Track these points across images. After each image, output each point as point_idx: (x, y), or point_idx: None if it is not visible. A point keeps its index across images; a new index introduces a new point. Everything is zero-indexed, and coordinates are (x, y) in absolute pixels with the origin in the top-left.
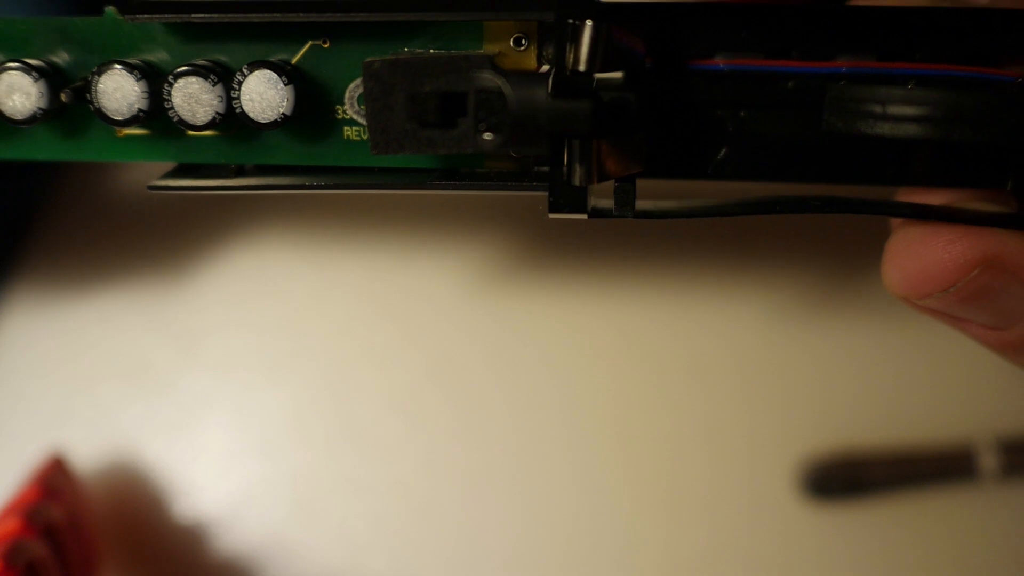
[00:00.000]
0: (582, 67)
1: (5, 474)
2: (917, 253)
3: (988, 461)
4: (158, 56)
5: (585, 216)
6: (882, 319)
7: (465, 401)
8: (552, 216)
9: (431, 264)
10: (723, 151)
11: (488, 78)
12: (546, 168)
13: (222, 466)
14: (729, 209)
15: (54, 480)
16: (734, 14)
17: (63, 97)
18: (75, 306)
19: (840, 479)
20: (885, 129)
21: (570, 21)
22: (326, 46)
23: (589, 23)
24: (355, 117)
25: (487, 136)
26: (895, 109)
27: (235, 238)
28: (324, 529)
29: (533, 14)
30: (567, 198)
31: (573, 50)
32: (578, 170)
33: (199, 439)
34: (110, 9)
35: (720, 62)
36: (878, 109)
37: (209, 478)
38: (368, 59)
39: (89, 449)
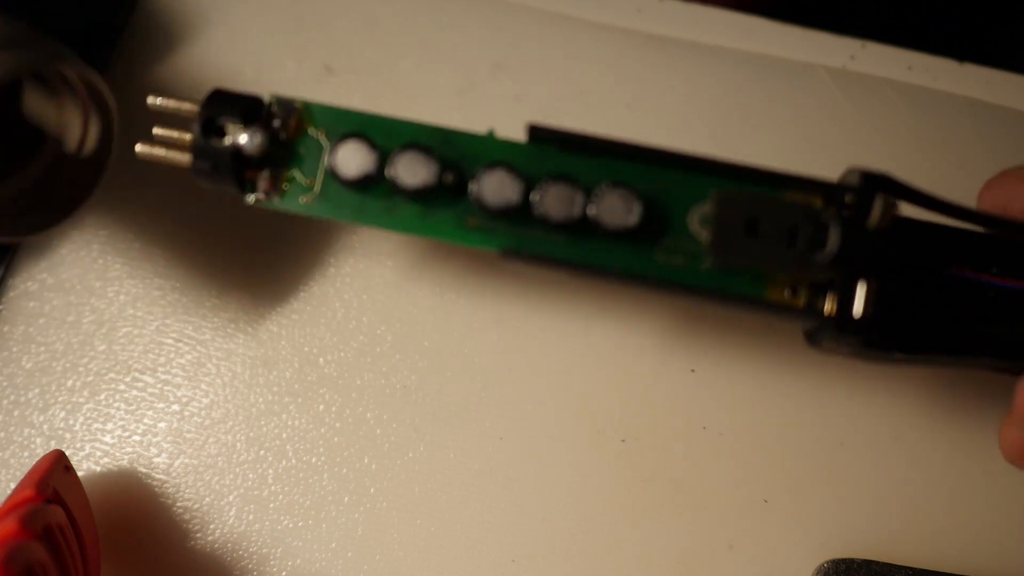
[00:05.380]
0: (872, 226)
1: (5, 475)
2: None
3: None
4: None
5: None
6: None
7: (471, 404)
8: (827, 344)
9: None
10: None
11: (827, 214)
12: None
13: (222, 468)
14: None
15: (54, 482)
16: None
17: (446, 179)
18: (76, 306)
19: None
20: None
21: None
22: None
23: (882, 199)
24: (695, 233)
25: (821, 256)
26: None
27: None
28: (324, 529)
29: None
30: (849, 330)
31: (869, 215)
32: (858, 302)
33: (200, 441)
34: (492, 130)
35: (968, 273)
36: None
37: (209, 478)
38: (718, 190)
39: (89, 451)
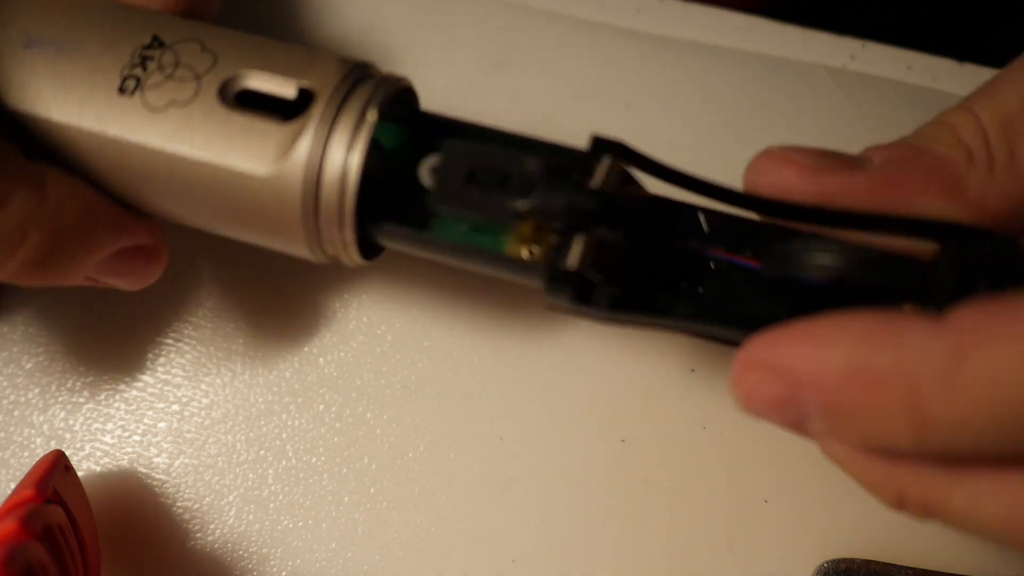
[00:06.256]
0: (597, 187)
1: (5, 475)
2: (737, 384)
3: None
4: None
5: (568, 302)
6: None
7: (467, 405)
8: (548, 298)
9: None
10: (682, 299)
11: (531, 163)
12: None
13: (222, 468)
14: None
15: (54, 482)
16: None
17: None
18: (77, 306)
19: None
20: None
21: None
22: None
23: (609, 160)
24: (424, 181)
25: (520, 203)
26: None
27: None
28: (324, 529)
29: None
30: (560, 281)
31: (596, 175)
32: (572, 255)
33: (200, 441)
34: None
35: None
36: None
37: (209, 478)
38: (449, 141)
39: (89, 451)
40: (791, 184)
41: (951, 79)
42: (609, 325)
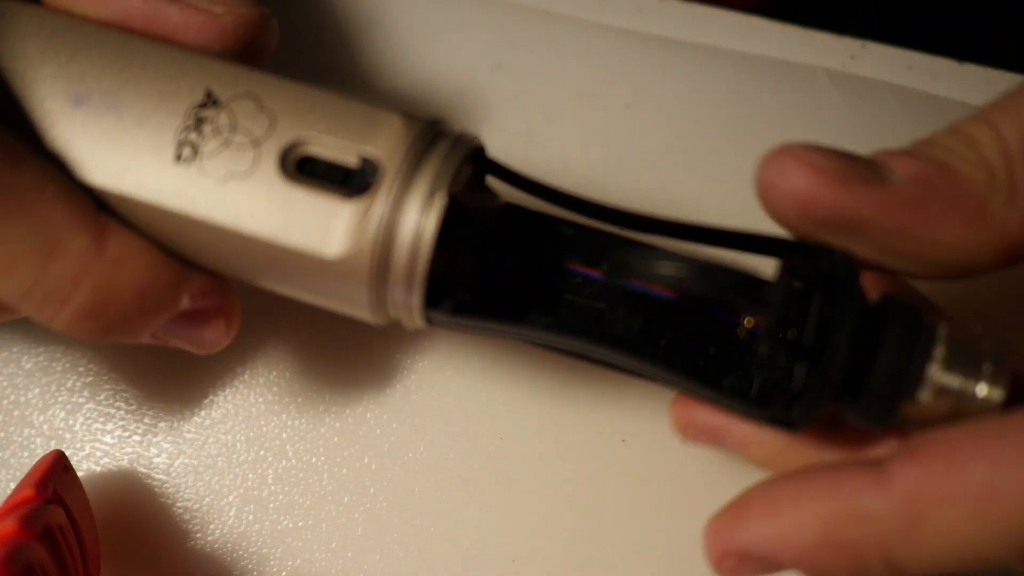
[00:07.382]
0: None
1: (5, 475)
2: (718, 569)
3: None
4: None
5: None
6: None
7: (467, 404)
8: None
9: None
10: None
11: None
12: None
13: (222, 468)
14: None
15: (54, 482)
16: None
17: None
18: None
19: None
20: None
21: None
22: None
23: (469, 169)
24: None
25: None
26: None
27: None
28: (324, 529)
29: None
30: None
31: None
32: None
33: (200, 441)
34: None
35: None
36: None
37: (209, 478)
38: None
39: (89, 451)
40: (815, 191)
41: (951, 79)
42: (461, 333)
